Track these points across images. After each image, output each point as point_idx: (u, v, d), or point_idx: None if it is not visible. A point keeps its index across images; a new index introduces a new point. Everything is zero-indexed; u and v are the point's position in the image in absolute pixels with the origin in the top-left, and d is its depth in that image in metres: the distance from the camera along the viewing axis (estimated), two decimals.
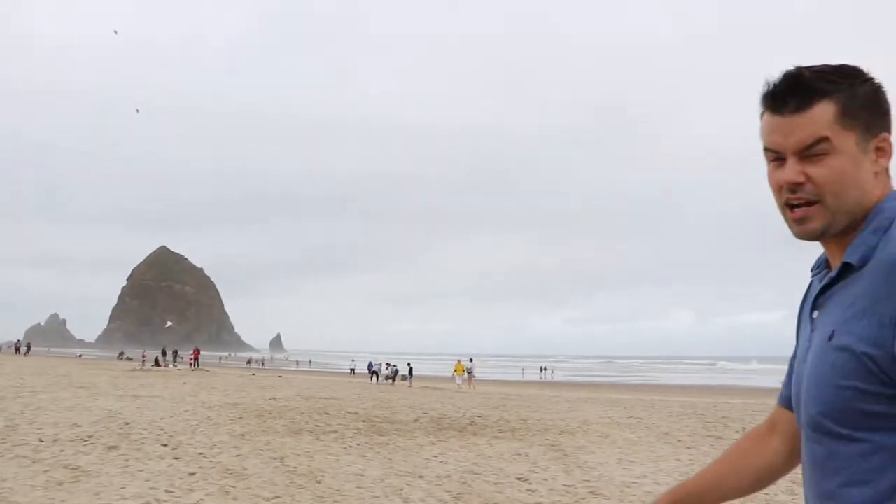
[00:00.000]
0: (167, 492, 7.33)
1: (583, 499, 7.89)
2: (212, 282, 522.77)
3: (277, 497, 7.34)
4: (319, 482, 8.16)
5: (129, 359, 74.03)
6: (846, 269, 1.16)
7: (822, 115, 1.14)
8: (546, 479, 8.91)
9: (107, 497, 7.01)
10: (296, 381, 32.95)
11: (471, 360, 43.64)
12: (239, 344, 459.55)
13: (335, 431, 12.70)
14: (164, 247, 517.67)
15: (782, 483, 8.19)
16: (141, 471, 8.34)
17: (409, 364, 45.26)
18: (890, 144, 1.17)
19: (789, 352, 1.38)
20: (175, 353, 61.96)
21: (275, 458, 9.57)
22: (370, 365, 45.69)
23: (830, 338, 1.13)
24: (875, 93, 1.17)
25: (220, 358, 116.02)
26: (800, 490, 1.29)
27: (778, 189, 1.18)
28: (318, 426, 13.34)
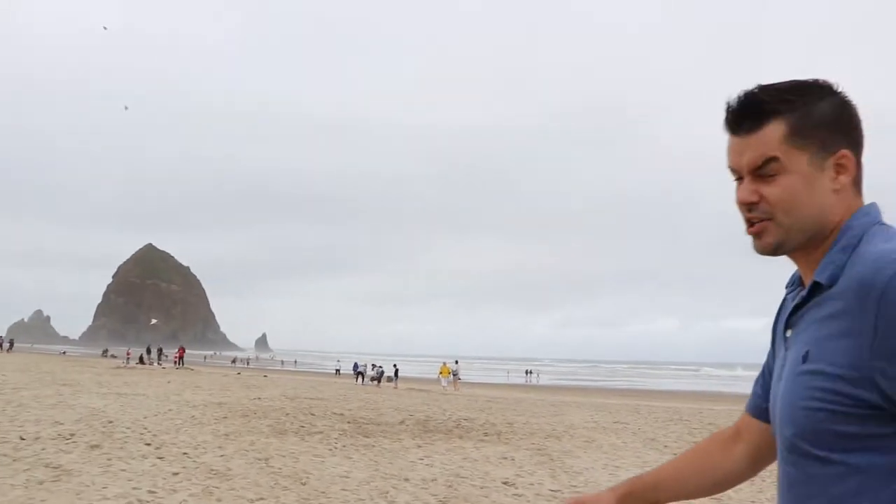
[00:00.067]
0: (150, 492, 7.24)
1: None
2: (198, 280, 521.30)
3: (262, 499, 7.26)
4: (304, 484, 8.10)
5: (113, 356, 73.52)
6: (816, 289, 1.16)
7: (772, 135, 1.16)
8: (532, 484, 8.89)
9: (88, 497, 6.91)
10: (281, 381, 32.79)
11: (456, 363, 43.68)
12: (224, 343, 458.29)
13: (320, 432, 12.62)
14: (150, 244, 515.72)
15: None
16: (124, 470, 8.24)
17: (394, 365, 45.26)
18: (850, 161, 1.17)
19: None
20: (160, 351, 61.71)
21: (259, 459, 9.49)
22: (355, 366, 45.54)
23: (804, 359, 1.13)
24: (835, 109, 1.17)
25: (205, 357, 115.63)
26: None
27: (738, 207, 1.22)
28: (303, 427, 13.25)
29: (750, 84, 1.21)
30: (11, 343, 73.40)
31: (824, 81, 1.19)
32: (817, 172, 1.15)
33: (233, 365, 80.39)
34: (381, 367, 43.35)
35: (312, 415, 15.58)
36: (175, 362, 52.89)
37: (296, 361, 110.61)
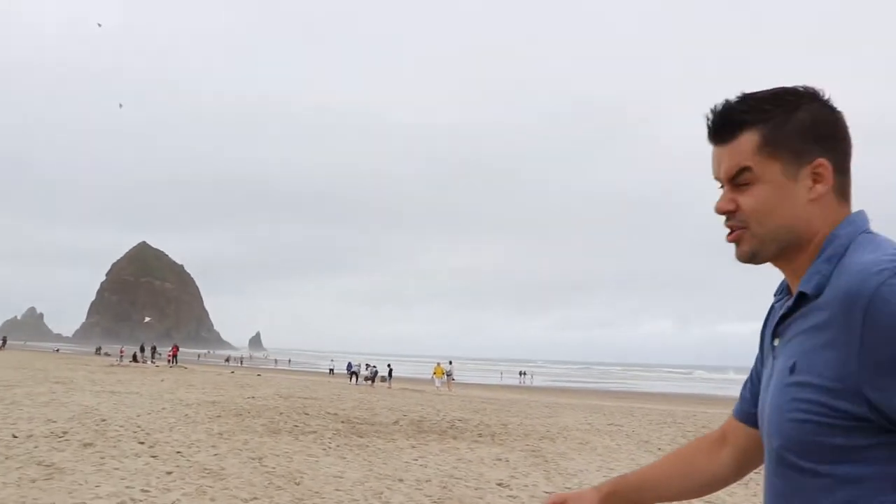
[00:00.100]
0: (143, 491, 7.21)
1: None
2: (192, 279, 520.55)
3: (256, 498, 7.24)
4: (298, 484, 8.07)
5: (107, 354, 73.41)
6: (802, 299, 1.15)
7: (745, 145, 1.17)
8: (527, 486, 8.88)
9: (81, 495, 6.87)
10: (275, 380, 32.75)
11: (450, 363, 43.67)
12: (218, 341, 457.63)
13: (314, 432, 12.60)
14: (144, 242, 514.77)
15: None
16: (117, 469, 8.21)
17: (388, 365, 45.25)
18: (827, 169, 1.16)
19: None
20: (153, 349, 61.56)
21: (253, 458, 9.47)
22: (349, 365, 45.48)
23: (791, 371, 1.13)
24: (814, 118, 1.17)
25: (199, 355, 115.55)
26: None
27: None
28: (297, 426, 13.23)
29: (738, 90, 1.22)
30: (4, 340, 73.07)
31: (807, 89, 1.18)
32: (791, 182, 1.16)
33: (226, 363, 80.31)
34: (375, 366, 43.33)
35: (306, 414, 15.56)
36: (168, 360, 52.81)
37: (289, 361, 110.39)
